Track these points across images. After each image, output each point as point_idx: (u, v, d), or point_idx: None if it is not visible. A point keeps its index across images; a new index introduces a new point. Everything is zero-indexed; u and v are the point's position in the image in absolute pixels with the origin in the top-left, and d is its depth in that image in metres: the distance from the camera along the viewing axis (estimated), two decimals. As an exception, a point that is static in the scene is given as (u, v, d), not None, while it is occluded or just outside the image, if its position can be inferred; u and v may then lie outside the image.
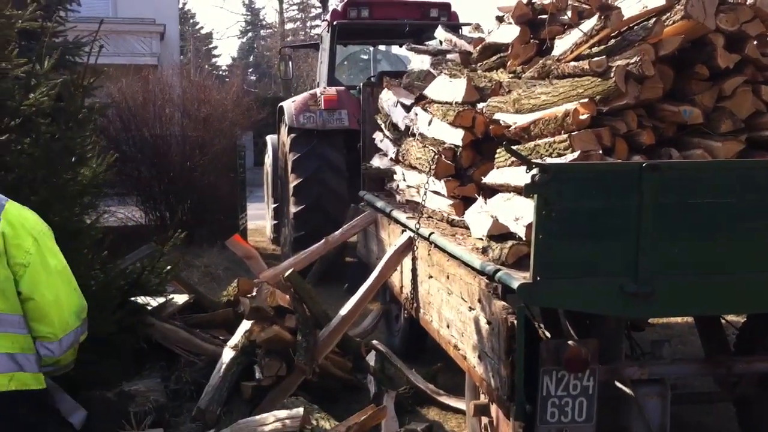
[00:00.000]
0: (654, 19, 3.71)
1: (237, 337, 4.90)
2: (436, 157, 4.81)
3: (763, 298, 3.51)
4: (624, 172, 3.35)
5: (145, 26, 20.70)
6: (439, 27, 6.69)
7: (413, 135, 5.53)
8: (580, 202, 3.25)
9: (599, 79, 3.71)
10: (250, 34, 55.50)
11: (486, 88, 4.79)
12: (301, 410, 4.02)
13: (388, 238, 5.79)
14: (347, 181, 8.70)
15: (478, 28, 6.31)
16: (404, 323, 6.12)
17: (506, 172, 4.04)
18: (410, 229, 5.00)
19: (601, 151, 3.58)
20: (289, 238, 9.17)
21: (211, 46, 52.30)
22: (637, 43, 3.71)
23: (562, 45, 4.25)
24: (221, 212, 10.72)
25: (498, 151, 4.26)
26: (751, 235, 3.41)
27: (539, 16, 4.70)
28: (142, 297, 5.10)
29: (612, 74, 3.62)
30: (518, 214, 3.61)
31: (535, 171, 3.21)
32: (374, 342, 5.95)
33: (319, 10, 36.19)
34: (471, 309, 3.76)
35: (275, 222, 11.20)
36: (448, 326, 4.22)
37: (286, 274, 5.03)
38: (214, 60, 50.47)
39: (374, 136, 6.78)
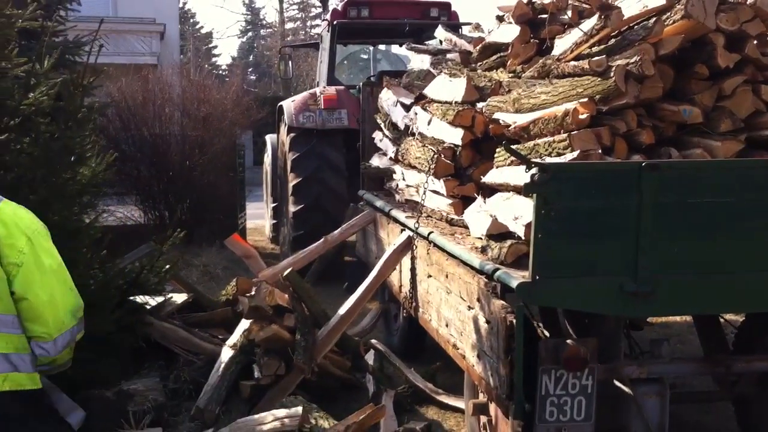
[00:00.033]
0: (654, 19, 3.71)
1: (236, 336, 4.90)
2: (436, 156, 4.81)
3: (763, 297, 3.51)
4: (623, 171, 3.35)
5: (145, 26, 20.71)
6: (439, 26, 6.69)
7: (413, 134, 5.53)
8: (579, 202, 3.25)
9: (599, 79, 3.71)
10: (250, 34, 55.51)
11: (486, 88, 4.79)
12: (299, 409, 4.02)
13: (387, 238, 5.79)
14: (347, 180, 8.71)
15: (478, 27, 6.31)
16: (403, 322, 6.11)
17: (506, 172, 4.04)
18: (409, 229, 4.99)
19: (600, 151, 3.58)
20: (288, 238, 9.17)
21: (211, 45, 52.31)
22: (637, 43, 3.71)
23: (562, 44, 4.25)
24: (220, 211, 10.72)
25: (497, 150, 4.25)
26: (750, 235, 3.41)
27: (539, 16, 4.70)
28: (141, 296, 5.10)
29: (612, 74, 3.62)
30: (517, 213, 3.60)
31: (534, 170, 3.21)
32: (373, 341, 5.93)
33: (319, 10, 36.23)
34: (470, 308, 3.76)
35: (274, 221, 11.20)
36: (447, 325, 4.22)
37: (285, 273, 5.03)
38: (214, 59, 50.50)
39: (374, 136, 6.77)
